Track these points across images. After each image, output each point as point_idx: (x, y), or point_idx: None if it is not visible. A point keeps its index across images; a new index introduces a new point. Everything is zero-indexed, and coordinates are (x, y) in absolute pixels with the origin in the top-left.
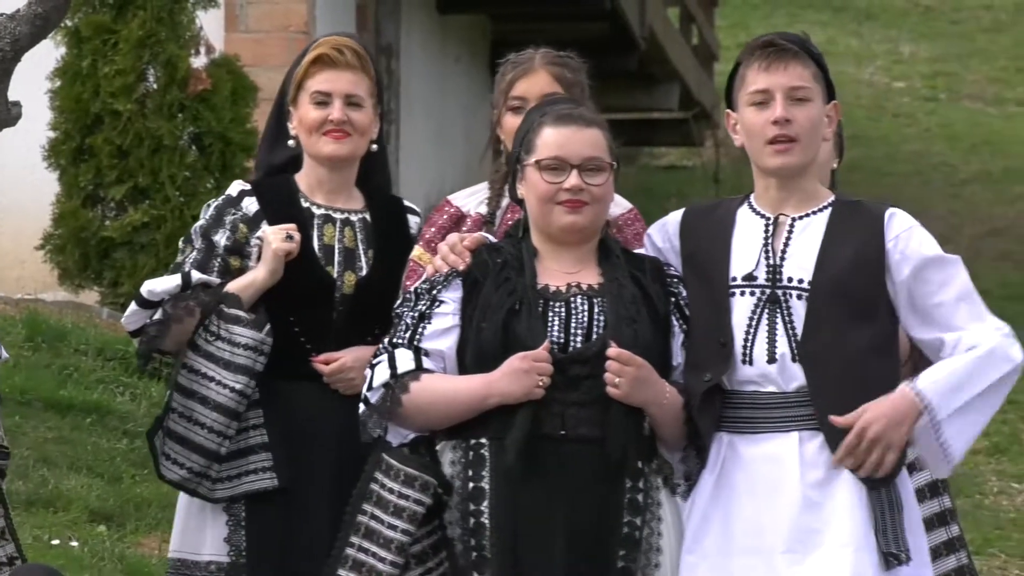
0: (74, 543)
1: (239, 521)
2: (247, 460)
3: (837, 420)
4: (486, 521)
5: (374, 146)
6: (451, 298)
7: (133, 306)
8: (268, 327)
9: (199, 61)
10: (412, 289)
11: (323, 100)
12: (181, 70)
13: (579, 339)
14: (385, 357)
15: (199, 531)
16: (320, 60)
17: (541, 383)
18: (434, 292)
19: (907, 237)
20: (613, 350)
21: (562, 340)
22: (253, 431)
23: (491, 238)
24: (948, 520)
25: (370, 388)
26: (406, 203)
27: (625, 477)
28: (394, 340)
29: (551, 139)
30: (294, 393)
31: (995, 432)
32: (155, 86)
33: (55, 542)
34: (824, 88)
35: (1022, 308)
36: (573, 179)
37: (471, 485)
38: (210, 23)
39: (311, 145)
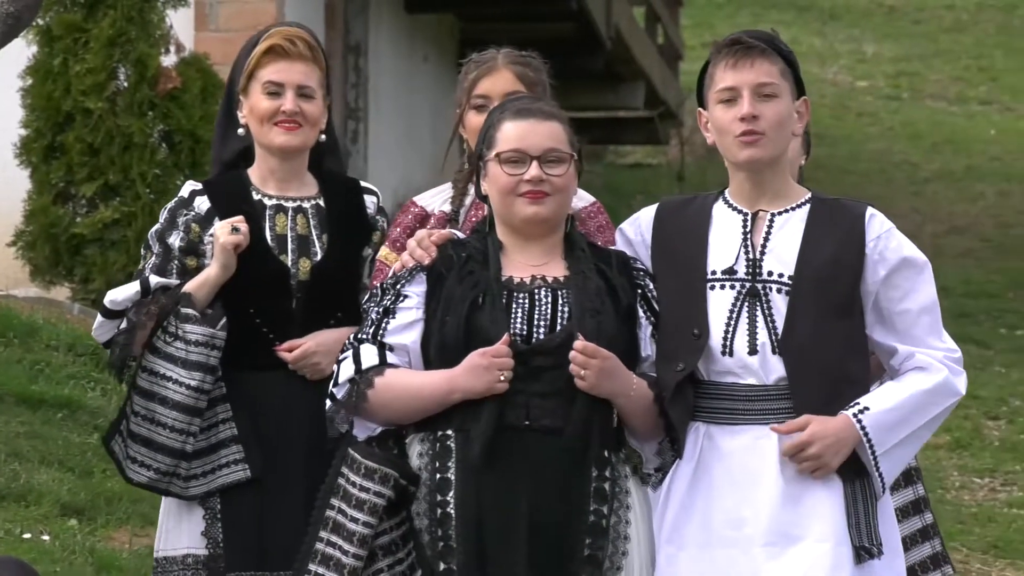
0: (45, 537)
1: (215, 514)
2: (219, 455)
3: (778, 428)
4: (452, 512)
5: (323, 136)
6: (415, 292)
7: (100, 318)
8: (223, 321)
9: (169, 60)
10: (378, 285)
11: (275, 90)
12: (151, 68)
13: (543, 330)
14: (350, 353)
15: (177, 527)
16: (273, 51)
17: (503, 377)
18: (398, 287)
19: (886, 239)
20: (579, 342)
21: (525, 332)
22: (223, 425)
23: (459, 234)
24: (922, 508)
25: (336, 384)
26: (363, 184)
27: (591, 466)
28: (359, 336)
29: (511, 132)
30: (260, 383)
31: (957, 427)
32: (126, 84)
33: (26, 536)
34: (793, 84)
35: (983, 305)
36: (534, 170)
37: (438, 476)
38: (180, 22)
39: (263, 135)
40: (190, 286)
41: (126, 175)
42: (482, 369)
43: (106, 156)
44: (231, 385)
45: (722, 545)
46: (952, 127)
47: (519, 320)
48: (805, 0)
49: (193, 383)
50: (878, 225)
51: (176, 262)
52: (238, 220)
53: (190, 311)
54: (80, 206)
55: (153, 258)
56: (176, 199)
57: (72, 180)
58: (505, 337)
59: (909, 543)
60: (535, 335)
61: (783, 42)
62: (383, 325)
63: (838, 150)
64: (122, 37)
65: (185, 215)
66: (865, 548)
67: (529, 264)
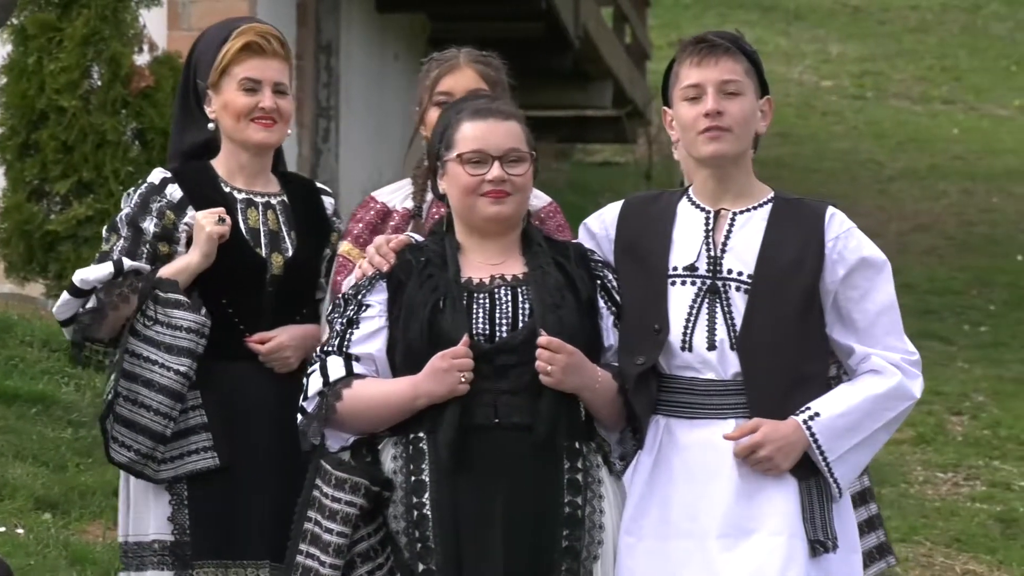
0: (20, 530)
1: (182, 500)
2: (188, 441)
3: (730, 436)
4: (428, 512)
5: (290, 132)
6: (377, 301)
7: (65, 295)
8: (204, 309)
9: (142, 59)
10: (340, 296)
11: (252, 87)
12: (124, 67)
13: (505, 329)
14: (318, 365)
15: (144, 512)
16: (249, 47)
17: (464, 379)
18: (359, 297)
19: (846, 238)
20: (543, 338)
21: (488, 331)
22: (192, 412)
23: (417, 237)
24: (867, 499)
25: (306, 398)
26: (318, 185)
27: (563, 459)
28: (325, 348)
29: (471, 133)
30: (231, 373)
31: (920, 423)
32: (99, 83)
33: (1, 529)
34: (757, 83)
35: (946, 301)
36: (496, 170)
37: (412, 479)
38: (153, 21)
39: (238, 131)
40: (165, 271)
41: (99, 172)
42: (442, 372)
43: (80, 154)
44: (201, 373)
45: (678, 537)
46: (916, 126)
47: (481, 320)
48: (770, 1)
49: (182, 368)
50: (838, 225)
51: (147, 246)
52: (221, 211)
53: (180, 297)
54: (54, 203)
55: (122, 241)
56: (146, 184)
57: (46, 177)
58: (465, 339)
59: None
60: (498, 334)
61: (747, 42)
62: (347, 336)
63: (803, 149)
64: (96, 36)
65: (158, 201)
66: (820, 542)
67: (488, 263)
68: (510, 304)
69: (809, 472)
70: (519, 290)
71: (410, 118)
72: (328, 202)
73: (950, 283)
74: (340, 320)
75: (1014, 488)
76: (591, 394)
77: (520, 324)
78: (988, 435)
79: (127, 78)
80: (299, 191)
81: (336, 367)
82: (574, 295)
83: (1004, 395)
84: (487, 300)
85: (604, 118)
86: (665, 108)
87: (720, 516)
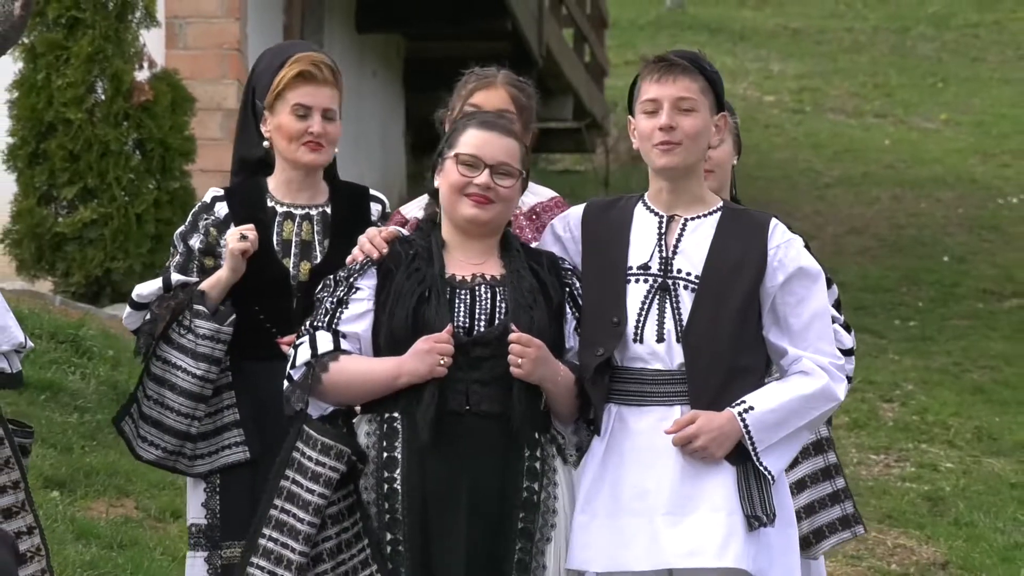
0: None
1: (215, 489)
2: (222, 437)
3: (670, 430)
4: (399, 487)
5: (337, 150)
6: (366, 285)
7: (128, 309)
8: (232, 318)
9: (142, 75)
10: (331, 276)
11: (303, 113)
12: (126, 83)
13: (483, 324)
14: (307, 338)
15: (191, 500)
16: (302, 75)
17: (443, 362)
18: (351, 280)
19: (786, 247)
20: (515, 334)
21: (467, 325)
22: (227, 411)
23: (405, 232)
24: (833, 474)
25: (293, 366)
26: (372, 192)
27: (524, 447)
28: (314, 323)
29: (472, 139)
30: (262, 372)
31: (855, 409)
32: (103, 97)
33: None
34: (714, 101)
35: (878, 298)
36: (484, 177)
37: (385, 455)
38: (152, 41)
39: (289, 152)
40: (204, 285)
41: (103, 179)
42: (424, 353)
43: (85, 162)
44: (237, 374)
45: (629, 515)
46: (850, 138)
47: (462, 314)
48: (717, 23)
49: (199, 372)
50: (780, 235)
51: (196, 261)
52: (247, 228)
53: (201, 307)
54: (61, 207)
55: (178, 257)
56: (200, 203)
57: (54, 184)
58: (449, 327)
59: (818, 507)
60: (476, 328)
61: (708, 62)
62: (337, 314)
63: (748, 158)
64: (99, 54)
65: (206, 219)
66: (756, 517)
67: (469, 262)
68: (489, 302)
69: (742, 459)
70: (497, 289)
71: (395, 128)
72: (375, 208)
73: (882, 281)
74: (330, 299)
75: (940, 469)
76: (553, 386)
77: (496, 321)
78: (916, 420)
79: (128, 93)
80: (345, 200)
81: (325, 341)
82: (545, 299)
83: (931, 384)
84: (468, 296)
85: (565, 129)
86: (630, 117)
87: (666, 495)
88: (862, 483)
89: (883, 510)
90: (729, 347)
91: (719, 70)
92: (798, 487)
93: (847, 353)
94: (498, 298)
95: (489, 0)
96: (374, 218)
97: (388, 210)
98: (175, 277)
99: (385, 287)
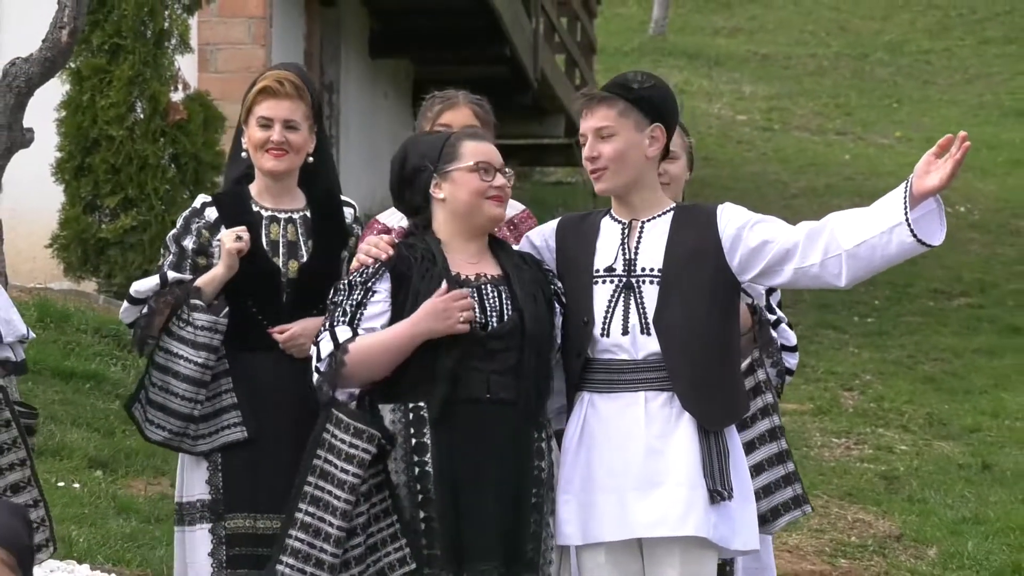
0: (76, 485)
1: (217, 466)
2: (221, 419)
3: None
4: (430, 470)
5: (310, 159)
6: (382, 288)
7: (125, 304)
8: (226, 311)
9: (177, 96)
10: (347, 281)
11: (266, 123)
12: (163, 103)
13: (494, 319)
14: (328, 334)
15: (190, 479)
16: (264, 90)
17: (463, 318)
18: (368, 284)
19: (729, 214)
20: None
21: (482, 320)
22: (225, 394)
23: (395, 239)
24: (784, 459)
25: (319, 359)
26: (343, 198)
27: (533, 430)
28: (333, 323)
29: (475, 149)
30: (256, 361)
31: (818, 397)
32: (142, 116)
33: (60, 484)
34: (641, 117)
35: (840, 297)
36: (501, 179)
37: (414, 441)
38: (186, 65)
39: (257, 160)
40: (200, 281)
41: (142, 190)
42: (441, 311)
43: (126, 175)
44: (233, 362)
45: (601, 491)
46: (814, 152)
47: (475, 310)
48: (695, 50)
49: (200, 360)
50: (724, 211)
51: (189, 260)
52: (241, 230)
53: (198, 302)
54: (105, 215)
55: (171, 256)
56: (190, 209)
57: (98, 194)
58: (444, 286)
59: (774, 488)
60: (490, 323)
61: (642, 81)
62: (357, 315)
63: (721, 171)
64: (139, 77)
65: (197, 223)
66: (717, 491)
67: (468, 262)
68: (496, 298)
69: (713, 432)
70: (500, 288)
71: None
72: (348, 212)
73: None
74: (348, 302)
75: (895, 451)
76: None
77: (505, 315)
78: (874, 407)
79: (165, 112)
80: (321, 205)
81: (344, 333)
82: (543, 293)
83: (887, 375)
84: (476, 293)
85: (558, 145)
86: None
87: (635, 472)
88: (825, 464)
89: (844, 488)
90: (701, 328)
91: (696, 92)
92: (756, 470)
93: (791, 350)
94: (504, 295)
95: (489, 29)
96: (348, 221)
97: (358, 214)
98: (171, 274)
99: (402, 289)
